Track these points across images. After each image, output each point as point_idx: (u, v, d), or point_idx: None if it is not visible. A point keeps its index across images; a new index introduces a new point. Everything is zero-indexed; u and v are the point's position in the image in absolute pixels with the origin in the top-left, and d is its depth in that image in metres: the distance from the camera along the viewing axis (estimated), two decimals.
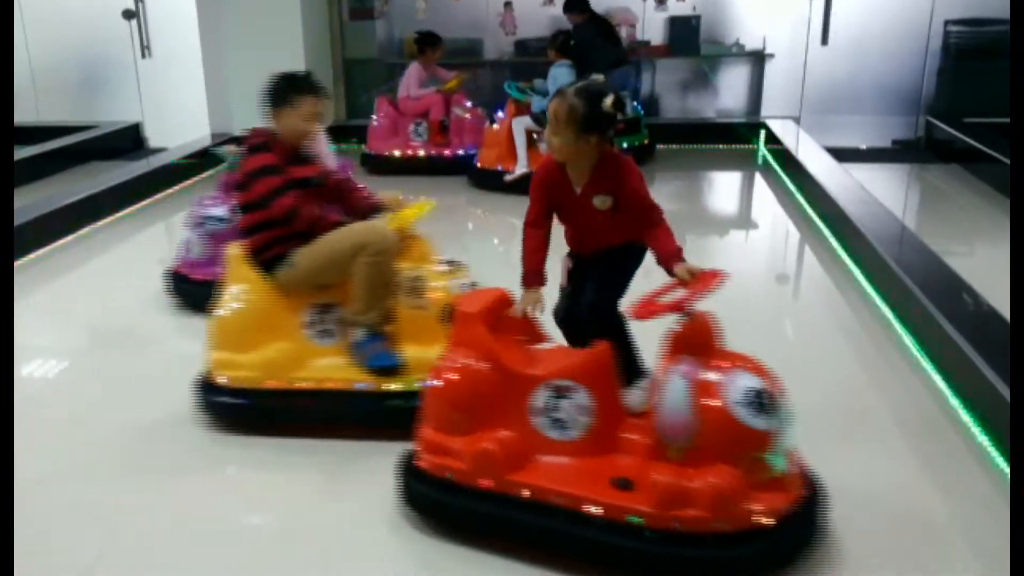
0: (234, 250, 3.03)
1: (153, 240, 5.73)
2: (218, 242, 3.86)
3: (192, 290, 4.02)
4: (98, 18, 8.18)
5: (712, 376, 2.19)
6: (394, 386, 2.90)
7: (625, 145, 7.07)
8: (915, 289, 3.75)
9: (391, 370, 2.90)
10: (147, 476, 2.76)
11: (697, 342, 2.25)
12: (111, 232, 5.73)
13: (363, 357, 2.92)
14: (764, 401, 2.18)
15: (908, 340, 3.71)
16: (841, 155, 6.84)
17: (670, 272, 2.34)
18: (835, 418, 3.09)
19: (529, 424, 2.36)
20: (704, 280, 2.28)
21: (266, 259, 2.96)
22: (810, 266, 5.16)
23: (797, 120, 8.33)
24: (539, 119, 6.10)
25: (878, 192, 5.62)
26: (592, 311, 2.47)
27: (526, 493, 2.30)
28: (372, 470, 2.68)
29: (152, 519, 2.52)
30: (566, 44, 6.52)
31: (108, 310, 4.31)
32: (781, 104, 8.45)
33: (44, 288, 4.64)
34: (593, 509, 2.22)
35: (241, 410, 2.94)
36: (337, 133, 7.61)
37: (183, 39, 7.83)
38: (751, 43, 8.46)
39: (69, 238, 5.44)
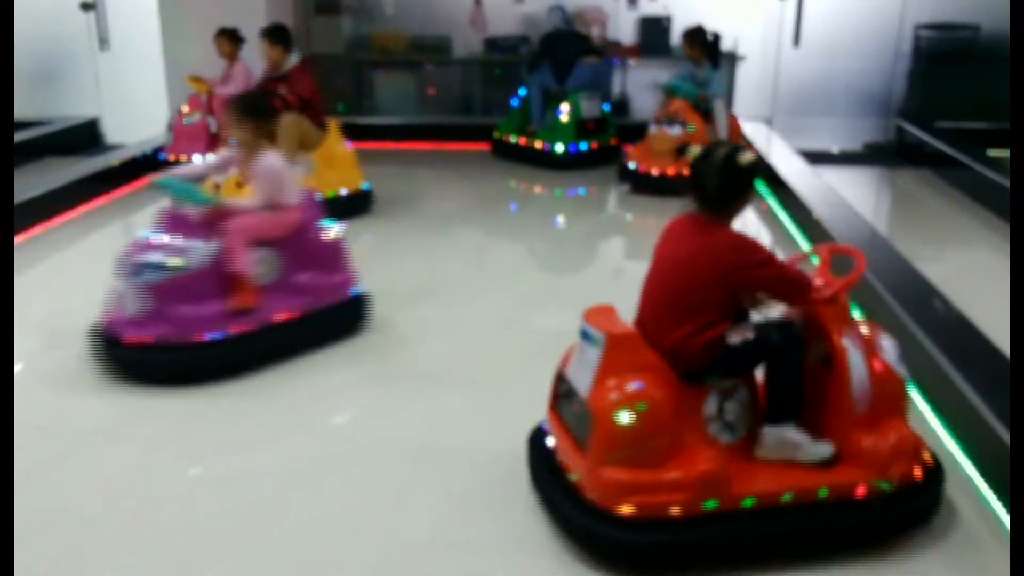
0: None
1: (111, 240, 5.52)
2: (160, 296, 3.25)
3: (125, 356, 3.29)
4: (54, 10, 7.95)
5: (872, 342, 2.42)
6: None
7: (596, 145, 7.00)
8: (885, 293, 3.72)
9: None
10: None
11: (841, 316, 2.42)
12: (67, 231, 5.53)
13: None
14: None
15: None
16: (813, 158, 6.81)
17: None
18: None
19: (707, 434, 2.33)
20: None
21: None
22: None
23: (769, 122, 8.29)
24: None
25: (849, 196, 5.59)
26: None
27: (750, 504, 2.24)
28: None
29: None
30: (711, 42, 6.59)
31: (61, 312, 4.12)
32: (753, 106, 8.40)
33: None
34: (821, 493, 2.27)
35: None
36: None
37: (143, 32, 7.63)
38: (723, 44, 8.40)
39: (19, 240, 5.22)
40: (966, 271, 4.91)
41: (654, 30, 8.33)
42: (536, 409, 2.66)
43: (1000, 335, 3.04)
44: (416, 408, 3.19)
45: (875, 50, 8.27)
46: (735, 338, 2.32)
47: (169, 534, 2.45)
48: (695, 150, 2.37)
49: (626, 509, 2.18)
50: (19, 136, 7.39)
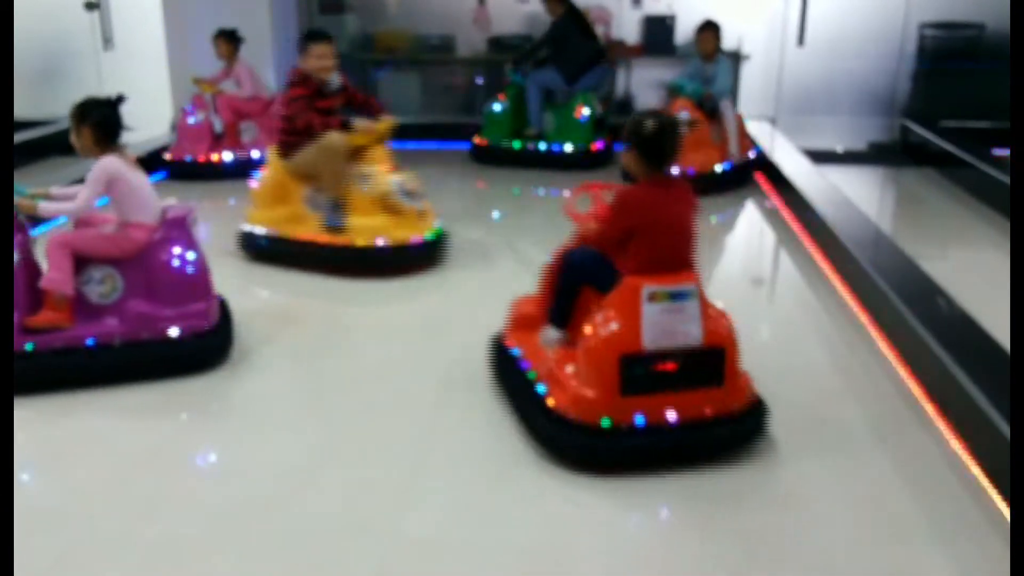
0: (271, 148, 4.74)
1: None
2: None
3: None
4: (58, 9, 7.95)
5: None
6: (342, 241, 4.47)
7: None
8: (889, 292, 3.72)
9: (338, 230, 4.51)
10: None
11: None
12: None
13: (326, 221, 4.53)
14: None
15: (881, 343, 3.68)
16: (817, 157, 6.80)
17: None
18: (807, 420, 3.06)
19: None
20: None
21: (285, 152, 4.64)
22: (785, 269, 5.09)
23: (773, 121, 8.28)
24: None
25: (853, 195, 5.58)
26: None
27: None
28: None
29: None
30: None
31: None
32: (757, 105, 8.38)
33: None
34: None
35: (264, 247, 4.66)
36: None
37: (147, 31, 7.64)
38: (727, 43, 8.38)
39: None
40: (970, 270, 4.90)
41: (658, 29, 8.32)
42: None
43: (1004, 334, 3.03)
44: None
45: (879, 49, 8.25)
46: None
47: (170, 533, 2.44)
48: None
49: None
50: (23, 136, 7.40)
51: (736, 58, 8.24)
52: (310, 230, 4.60)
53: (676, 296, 2.65)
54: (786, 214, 5.76)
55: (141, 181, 3.35)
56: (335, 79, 4.66)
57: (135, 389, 3.26)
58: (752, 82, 8.45)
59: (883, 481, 2.71)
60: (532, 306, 3.16)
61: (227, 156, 6.72)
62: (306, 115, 4.47)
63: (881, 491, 2.65)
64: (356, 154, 4.54)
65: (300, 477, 2.72)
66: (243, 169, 6.65)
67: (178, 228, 3.41)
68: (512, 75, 7.10)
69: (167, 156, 6.71)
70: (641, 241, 2.71)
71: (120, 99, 3.38)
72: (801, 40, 7.99)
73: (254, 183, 4.78)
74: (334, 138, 4.44)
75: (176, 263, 3.36)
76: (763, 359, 3.61)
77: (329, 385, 3.43)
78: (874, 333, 3.78)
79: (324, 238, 4.55)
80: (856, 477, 2.72)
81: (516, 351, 3.07)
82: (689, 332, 2.66)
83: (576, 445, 2.67)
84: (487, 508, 2.55)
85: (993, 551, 2.35)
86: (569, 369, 2.75)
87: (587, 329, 2.72)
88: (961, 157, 6.62)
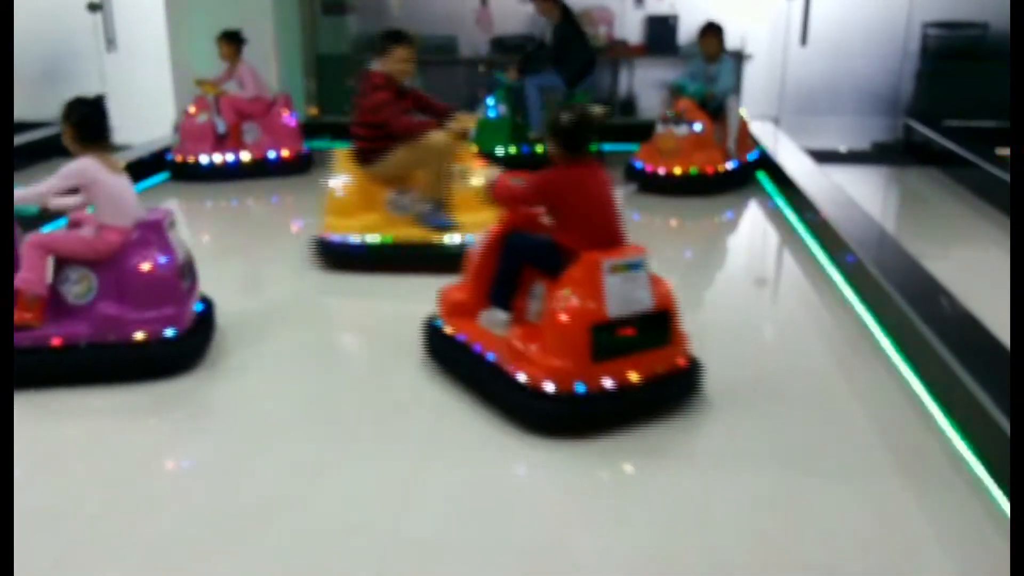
0: (340, 152, 4.66)
1: None
2: None
3: None
4: (61, 10, 7.96)
5: None
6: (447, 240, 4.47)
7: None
8: (892, 292, 3.71)
9: (446, 228, 4.50)
10: None
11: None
12: None
13: (429, 221, 4.51)
14: None
15: (885, 342, 3.67)
16: (820, 157, 6.78)
17: None
18: (810, 420, 3.07)
19: None
20: None
21: (368, 157, 4.55)
22: (789, 269, 5.08)
23: (776, 121, 8.27)
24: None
25: (857, 195, 5.57)
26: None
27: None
28: None
29: None
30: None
31: None
32: (760, 105, 8.37)
33: None
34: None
35: (355, 254, 4.54)
36: (310, 131, 7.49)
37: (150, 33, 7.64)
38: (731, 43, 8.37)
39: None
40: (973, 269, 4.89)
41: (661, 29, 8.31)
42: None
43: (1007, 333, 3.02)
44: None
45: (883, 49, 8.24)
46: None
47: (169, 535, 2.44)
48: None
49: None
50: (26, 137, 7.41)
51: (739, 58, 8.22)
52: (407, 232, 4.56)
53: (632, 267, 2.93)
54: (789, 214, 5.75)
55: (119, 184, 3.35)
56: (407, 81, 4.67)
57: (134, 389, 3.27)
58: (755, 82, 8.44)
59: (885, 480, 2.71)
60: (461, 293, 3.34)
61: (244, 156, 6.75)
62: (402, 118, 4.45)
63: (883, 490, 2.65)
64: (453, 152, 4.57)
65: (300, 479, 2.72)
66: (245, 170, 6.71)
67: (153, 232, 3.38)
68: (500, 77, 7.02)
69: (177, 158, 6.71)
70: (572, 218, 3.00)
71: (100, 99, 3.38)
72: (804, 40, 7.98)
73: (337, 189, 4.65)
74: (438, 137, 4.43)
75: (146, 267, 3.32)
76: (767, 359, 3.63)
77: (330, 388, 3.43)
78: (877, 333, 3.77)
79: (427, 238, 4.52)
80: (859, 476, 2.71)
81: (461, 337, 3.22)
82: (643, 299, 2.94)
83: (554, 413, 2.88)
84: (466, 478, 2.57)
85: (995, 550, 2.35)
86: (534, 345, 2.93)
87: (555, 304, 2.91)
88: (964, 157, 6.61)
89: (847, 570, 2.29)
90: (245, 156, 6.73)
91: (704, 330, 3.46)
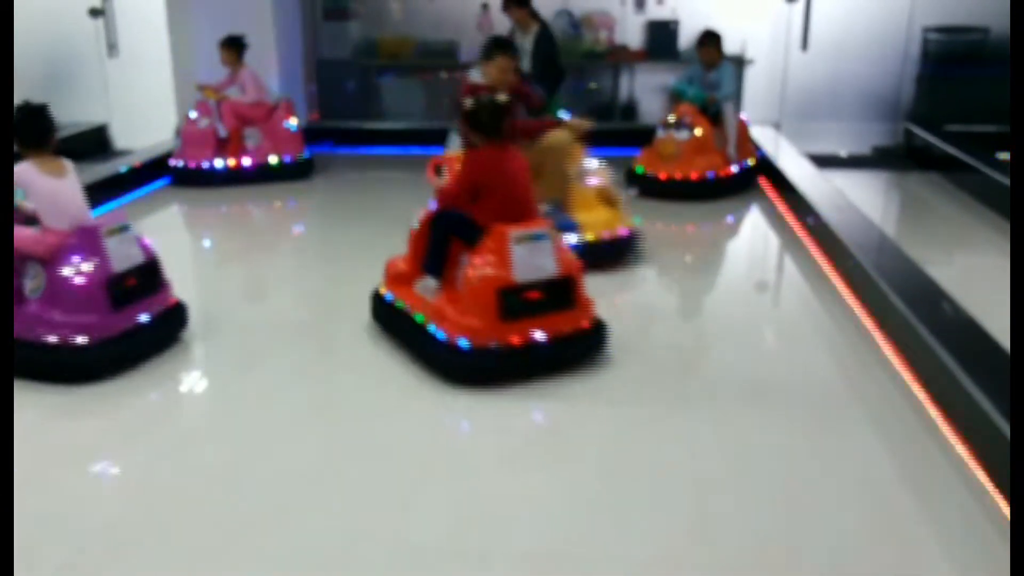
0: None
1: None
2: None
3: None
4: (63, 16, 7.96)
5: None
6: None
7: None
8: (893, 296, 3.71)
9: (570, 229, 4.43)
10: None
11: None
12: None
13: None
14: None
15: (886, 347, 3.67)
16: (821, 162, 6.78)
17: None
18: (811, 424, 3.07)
19: None
20: None
21: None
22: (789, 273, 5.08)
23: (777, 126, 8.27)
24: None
25: (858, 199, 5.56)
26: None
27: None
28: None
29: None
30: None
31: None
32: (761, 110, 8.38)
33: None
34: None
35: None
36: (310, 136, 7.49)
37: (152, 38, 7.64)
38: (731, 48, 8.38)
39: None
40: (974, 274, 4.89)
41: (661, 34, 8.32)
42: None
43: (1007, 337, 3.02)
44: None
45: (883, 53, 8.24)
46: None
47: (173, 539, 2.44)
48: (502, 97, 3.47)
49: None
50: None
51: (740, 62, 8.23)
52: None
53: (535, 238, 3.29)
54: (790, 218, 5.75)
55: (56, 187, 3.38)
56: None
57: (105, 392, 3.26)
58: (756, 86, 8.44)
59: (887, 482, 2.71)
60: (404, 264, 3.70)
61: (246, 161, 6.75)
62: (526, 120, 4.46)
63: (885, 492, 2.65)
64: (573, 152, 4.63)
65: (299, 481, 2.72)
66: (246, 175, 6.72)
67: (87, 238, 3.36)
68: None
69: (178, 162, 6.72)
70: (492, 196, 3.35)
71: (44, 107, 3.44)
72: (805, 44, 7.98)
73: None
74: (561, 136, 4.49)
75: (67, 272, 3.31)
76: (767, 363, 3.63)
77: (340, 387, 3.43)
78: (878, 337, 3.77)
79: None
80: (860, 478, 2.72)
81: (400, 303, 3.59)
82: (547, 266, 3.29)
83: (468, 367, 3.25)
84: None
85: (995, 553, 2.35)
86: (452, 307, 3.29)
87: (469, 271, 3.28)
88: (965, 161, 6.61)
89: (847, 571, 2.30)
90: (246, 161, 6.74)
91: (705, 334, 3.47)
